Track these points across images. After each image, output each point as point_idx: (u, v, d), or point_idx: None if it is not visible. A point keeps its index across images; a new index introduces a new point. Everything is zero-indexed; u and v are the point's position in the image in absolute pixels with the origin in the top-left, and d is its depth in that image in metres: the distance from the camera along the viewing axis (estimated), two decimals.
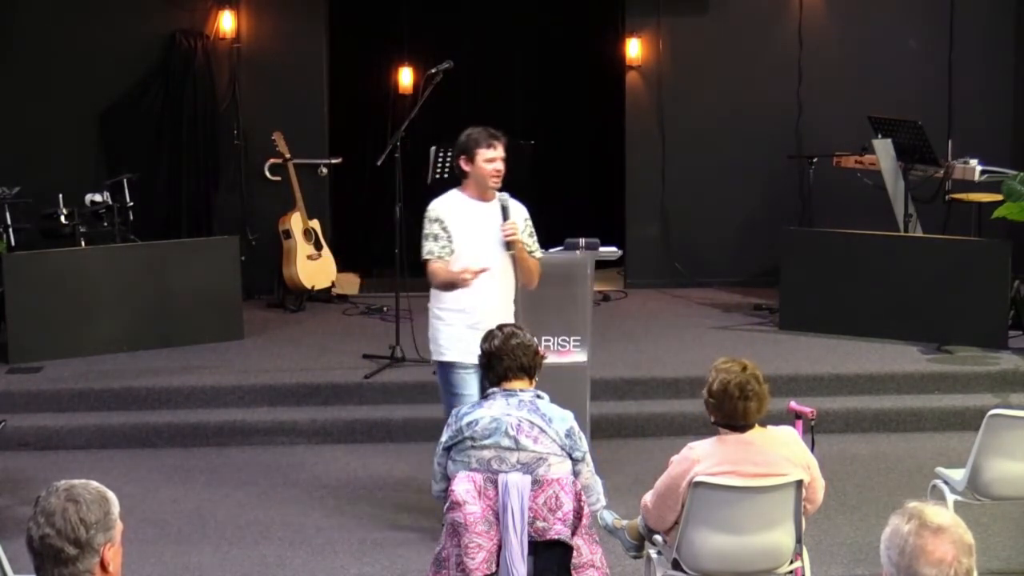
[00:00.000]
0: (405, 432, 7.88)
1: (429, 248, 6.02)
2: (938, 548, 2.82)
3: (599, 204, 11.39)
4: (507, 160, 6.10)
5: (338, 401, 8.16)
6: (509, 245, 6.01)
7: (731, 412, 4.72)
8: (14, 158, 10.08)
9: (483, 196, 6.08)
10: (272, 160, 10.37)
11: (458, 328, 6.01)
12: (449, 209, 6.07)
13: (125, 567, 3.09)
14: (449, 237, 6.01)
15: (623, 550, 5.32)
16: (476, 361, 5.31)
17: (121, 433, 7.86)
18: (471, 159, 6.03)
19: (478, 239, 6.03)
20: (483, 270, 5.87)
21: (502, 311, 6.00)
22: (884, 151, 9.58)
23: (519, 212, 6.15)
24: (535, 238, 6.21)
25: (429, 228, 6.04)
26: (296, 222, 10.11)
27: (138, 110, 10.50)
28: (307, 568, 6.14)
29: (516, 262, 6.07)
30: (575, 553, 4.81)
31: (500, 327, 5.12)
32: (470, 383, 5.98)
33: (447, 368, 6.07)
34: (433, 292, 6.13)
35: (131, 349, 8.86)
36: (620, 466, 7.17)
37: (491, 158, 6.02)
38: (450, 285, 5.98)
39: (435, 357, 6.15)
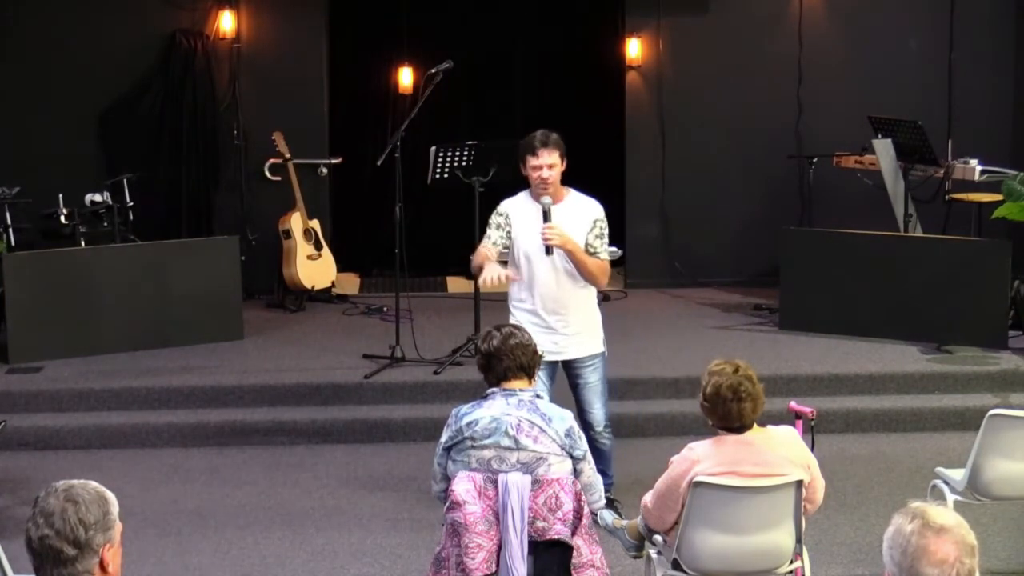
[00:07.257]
0: (405, 432, 7.88)
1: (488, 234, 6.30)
2: (940, 548, 2.81)
3: (599, 204, 11.35)
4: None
5: (338, 401, 8.16)
6: (548, 248, 6.17)
7: (726, 414, 4.72)
8: (14, 158, 10.07)
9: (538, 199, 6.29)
10: (272, 160, 10.36)
11: (520, 317, 6.26)
12: (514, 208, 6.33)
13: (125, 567, 3.09)
14: (508, 233, 6.27)
15: (623, 550, 5.32)
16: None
17: (121, 433, 7.86)
18: (524, 164, 6.30)
19: (529, 239, 6.27)
20: (495, 280, 6.09)
21: (558, 303, 6.23)
22: (884, 151, 9.57)
23: (588, 212, 6.32)
24: (603, 240, 6.30)
25: (494, 219, 6.34)
26: (296, 222, 10.10)
27: (138, 110, 10.48)
28: (307, 568, 6.14)
29: (574, 262, 6.20)
30: (575, 553, 4.80)
31: (498, 327, 5.11)
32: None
33: None
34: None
35: (131, 349, 8.85)
36: (620, 466, 7.15)
37: (536, 165, 6.24)
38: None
39: None
